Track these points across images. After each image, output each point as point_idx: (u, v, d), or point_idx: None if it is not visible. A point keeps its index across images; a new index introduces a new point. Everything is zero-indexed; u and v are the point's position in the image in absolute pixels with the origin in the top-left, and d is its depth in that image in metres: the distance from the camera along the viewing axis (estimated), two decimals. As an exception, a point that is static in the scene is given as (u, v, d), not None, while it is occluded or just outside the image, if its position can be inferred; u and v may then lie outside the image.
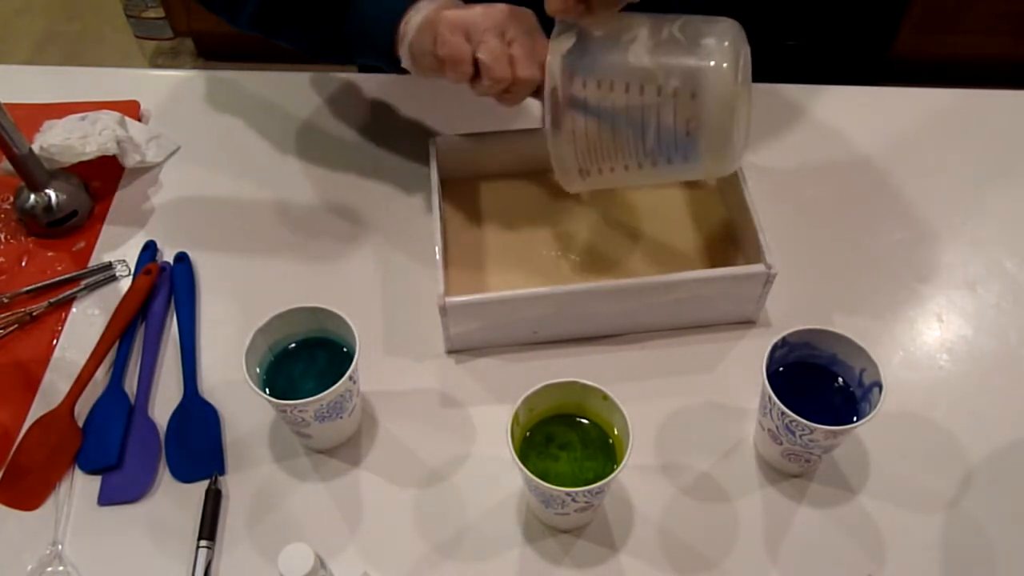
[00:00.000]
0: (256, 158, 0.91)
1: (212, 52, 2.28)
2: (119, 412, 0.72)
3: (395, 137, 0.91)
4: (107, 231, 0.85)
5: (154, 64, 2.28)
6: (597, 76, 0.65)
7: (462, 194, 0.84)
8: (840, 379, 0.66)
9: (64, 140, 0.84)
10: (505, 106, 0.72)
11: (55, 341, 0.77)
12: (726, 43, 0.63)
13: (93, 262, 0.83)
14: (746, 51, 0.65)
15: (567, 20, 0.67)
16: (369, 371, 0.72)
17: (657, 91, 0.64)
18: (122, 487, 0.69)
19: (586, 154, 0.68)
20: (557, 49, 0.67)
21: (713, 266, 0.78)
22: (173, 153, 0.92)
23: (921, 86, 0.96)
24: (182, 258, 0.82)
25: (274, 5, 0.77)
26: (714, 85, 0.62)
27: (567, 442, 0.64)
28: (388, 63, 0.74)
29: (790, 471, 0.68)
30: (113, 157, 0.86)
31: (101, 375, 0.74)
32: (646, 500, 0.68)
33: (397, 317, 0.78)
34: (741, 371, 0.74)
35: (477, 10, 0.69)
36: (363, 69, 0.98)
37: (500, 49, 0.67)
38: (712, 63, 0.62)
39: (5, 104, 0.76)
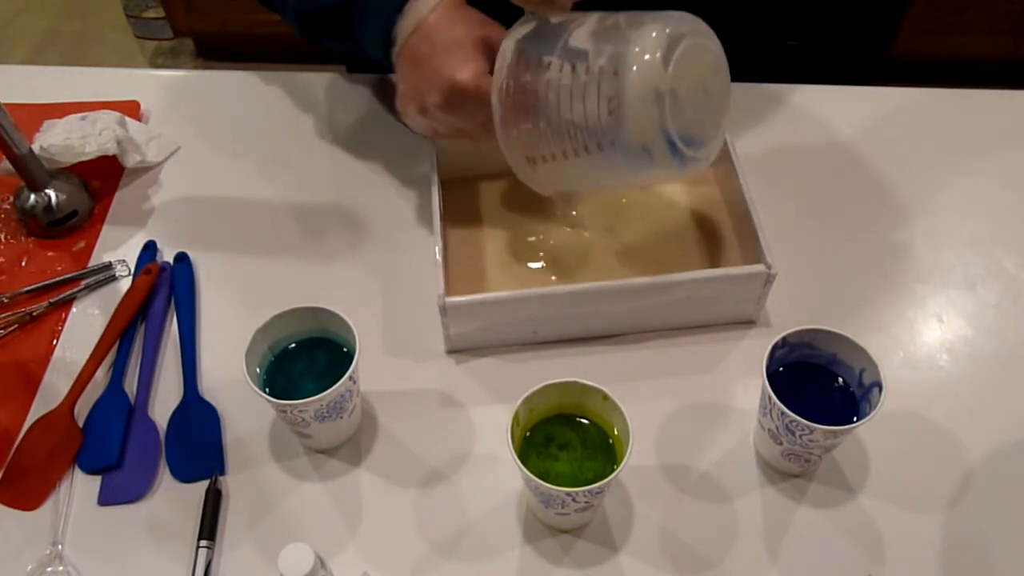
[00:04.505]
0: (256, 158, 0.91)
1: (212, 52, 2.29)
2: (119, 412, 0.72)
3: (395, 137, 0.91)
4: (107, 231, 0.85)
5: (154, 64, 2.28)
6: (540, 57, 0.66)
7: (462, 194, 0.84)
8: (840, 379, 0.66)
9: (64, 140, 0.84)
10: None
11: (55, 341, 0.77)
12: (664, 28, 0.62)
13: (93, 262, 0.83)
14: (699, 42, 0.64)
15: (532, 13, 0.68)
16: (369, 371, 0.72)
17: (585, 71, 0.63)
18: (122, 487, 0.69)
19: (528, 138, 0.68)
20: (513, 34, 0.68)
21: (713, 266, 0.78)
22: (173, 153, 0.92)
23: (921, 86, 0.96)
24: (182, 258, 0.82)
25: (307, 22, 0.80)
26: (636, 64, 0.61)
27: (567, 442, 0.64)
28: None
29: (790, 471, 0.68)
30: (113, 157, 0.86)
31: (101, 375, 0.74)
32: (646, 500, 0.67)
33: (397, 317, 0.78)
34: (741, 371, 0.74)
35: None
36: (365, 69, 0.98)
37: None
38: (638, 46, 0.61)
39: (5, 104, 0.76)
